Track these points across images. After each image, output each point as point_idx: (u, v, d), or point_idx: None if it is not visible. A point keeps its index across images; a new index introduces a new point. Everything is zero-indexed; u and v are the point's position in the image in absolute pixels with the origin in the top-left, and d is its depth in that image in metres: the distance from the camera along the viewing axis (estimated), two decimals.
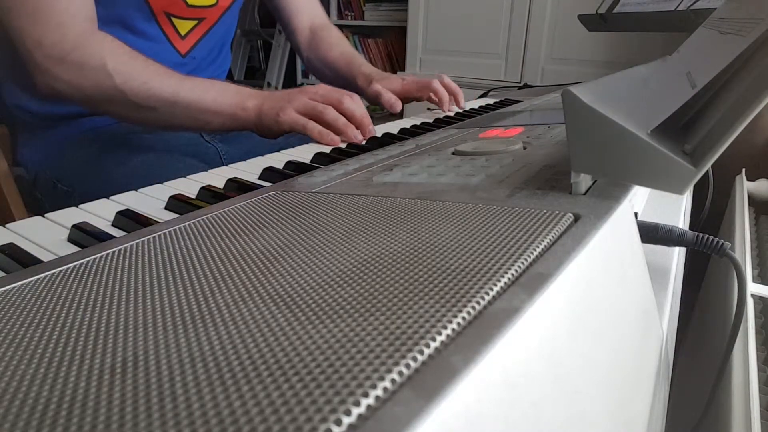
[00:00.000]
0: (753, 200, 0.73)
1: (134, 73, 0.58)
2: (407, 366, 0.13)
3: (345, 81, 0.87)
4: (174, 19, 0.72)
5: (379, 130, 0.68)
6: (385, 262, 0.20)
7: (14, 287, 0.23)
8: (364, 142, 0.62)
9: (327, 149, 0.58)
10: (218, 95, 0.61)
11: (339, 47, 0.91)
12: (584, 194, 0.28)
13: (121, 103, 0.59)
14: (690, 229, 0.33)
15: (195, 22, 0.75)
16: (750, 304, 0.44)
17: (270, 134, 0.64)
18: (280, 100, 0.62)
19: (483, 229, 0.23)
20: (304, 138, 0.70)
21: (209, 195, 0.42)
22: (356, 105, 0.63)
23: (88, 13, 0.59)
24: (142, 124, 0.65)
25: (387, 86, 0.79)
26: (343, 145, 0.60)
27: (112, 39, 0.59)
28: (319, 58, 0.91)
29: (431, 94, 0.82)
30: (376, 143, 0.61)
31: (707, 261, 0.71)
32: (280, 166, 0.51)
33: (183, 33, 0.74)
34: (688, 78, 0.33)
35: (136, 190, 0.45)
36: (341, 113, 0.62)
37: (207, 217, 0.30)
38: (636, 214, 0.30)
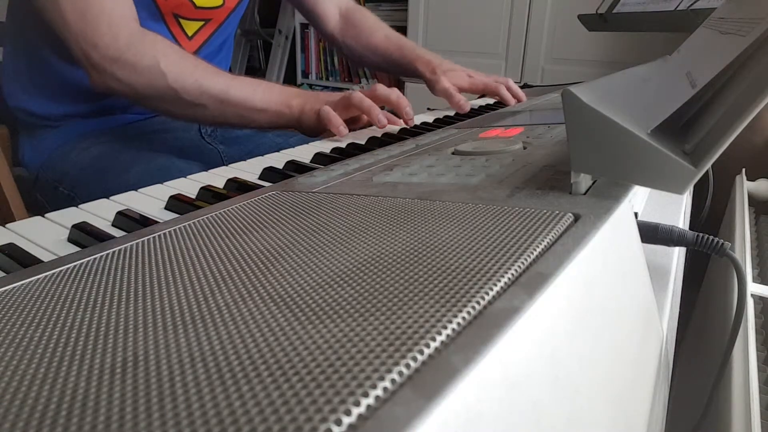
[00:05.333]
0: (753, 200, 0.73)
1: (186, 73, 0.60)
2: (407, 366, 0.13)
3: (398, 66, 0.87)
4: (182, 20, 0.73)
5: (379, 130, 0.68)
6: (385, 262, 0.20)
7: (14, 287, 0.23)
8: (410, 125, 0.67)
9: (327, 149, 0.58)
10: (265, 94, 0.63)
11: (382, 30, 0.89)
12: (584, 194, 0.28)
13: (172, 100, 0.60)
14: (690, 229, 0.33)
15: (202, 23, 0.75)
16: (750, 304, 0.43)
17: (311, 132, 0.66)
18: (325, 99, 0.64)
19: (483, 229, 0.23)
20: (304, 138, 0.70)
21: (209, 195, 0.42)
22: (389, 90, 0.66)
23: (133, 13, 0.61)
24: (191, 121, 0.67)
25: (454, 81, 0.79)
26: (344, 145, 0.60)
27: (162, 38, 0.61)
28: (358, 42, 0.90)
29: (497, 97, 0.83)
30: (376, 143, 0.61)
31: (707, 261, 0.71)
32: (280, 166, 0.51)
33: (190, 34, 0.75)
34: (688, 78, 0.33)
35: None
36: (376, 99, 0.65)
37: (207, 217, 0.30)
38: (636, 214, 0.30)
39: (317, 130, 0.65)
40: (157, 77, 0.59)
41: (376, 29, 0.89)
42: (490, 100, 0.97)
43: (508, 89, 0.82)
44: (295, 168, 0.51)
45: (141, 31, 0.60)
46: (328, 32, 0.92)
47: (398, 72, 0.88)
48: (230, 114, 0.63)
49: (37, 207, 0.74)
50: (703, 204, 0.67)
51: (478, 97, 1.04)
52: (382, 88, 0.65)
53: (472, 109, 0.84)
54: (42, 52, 0.68)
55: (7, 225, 0.37)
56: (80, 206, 0.41)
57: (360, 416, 0.12)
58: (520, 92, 0.83)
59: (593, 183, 0.29)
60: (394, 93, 0.65)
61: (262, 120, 0.64)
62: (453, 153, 0.41)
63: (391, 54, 0.87)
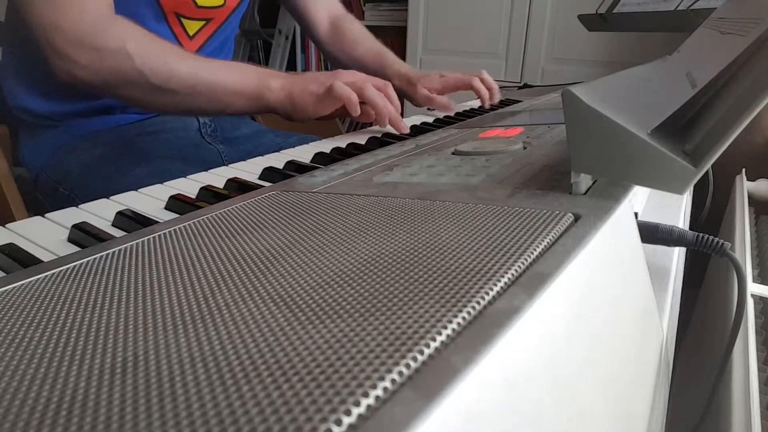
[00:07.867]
0: (753, 200, 0.73)
1: (154, 55, 0.58)
2: (407, 366, 0.13)
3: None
4: (183, 20, 0.72)
5: (379, 130, 0.68)
6: (386, 262, 0.20)
7: (14, 287, 0.23)
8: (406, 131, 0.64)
9: (327, 149, 0.58)
10: (240, 76, 0.60)
11: (366, 42, 0.91)
12: (584, 194, 0.28)
13: (140, 86, 0.58)
14: (690, 229, 0.33)
15: (203, 22, 0.75)
16: (750, 304, 0.43)
17: (301, 115, 0.63)
18: (316, 79, 0.61)
19: (483, 229, 0.23)
20: (304, 138, 0.70)
21: (209, 195, 0.42)
22: (393, 94, 0.64)
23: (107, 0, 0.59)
24: (161, 110, 0.64)
25: (427, 85, 0.81)
26: (344, 145, 0.60)
27: (132, 23, 0.59)
28: (344, 53, 0.91)
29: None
30: (376, 143, 0.61)
31: (707, 261, 0.71)
32: (280, 166, 0.51)
33: (191, 33, 0.75)
34: (688, 78, 0.33)
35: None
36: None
37: (207, 217, 0.30)
38: (636, 214, 0.30)
39: (309, 113, 0.62)
40: (124, 60, 0.56)
41: (361, 41, 0.91)
42: None
43: (482, 81, 0.83)
44: (295, 168, 0.51)
45: (111, 15, 0.58)
46: (316, 38, 0.93)
47: None
48: (202, 99, 0.60)
49: (37, 207, 0.74)
50: (703, 204, 0.67)
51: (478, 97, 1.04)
52: (370, 91, 0.61)
53: (472, 109, 0.84)
54: (42, 51, 0.68)
55: (7, 225, 0.37)
56: (80, 206, 0.41)
57: (360, 416, 0.12)
58: (494, 83, 0.84)
59: (593, 183, 0.29)
60: (380, 100, 0.61)
61: (238, 104, 0.61)
62: (453, 153, 0.41)
63: (369, 66, 0.89)
